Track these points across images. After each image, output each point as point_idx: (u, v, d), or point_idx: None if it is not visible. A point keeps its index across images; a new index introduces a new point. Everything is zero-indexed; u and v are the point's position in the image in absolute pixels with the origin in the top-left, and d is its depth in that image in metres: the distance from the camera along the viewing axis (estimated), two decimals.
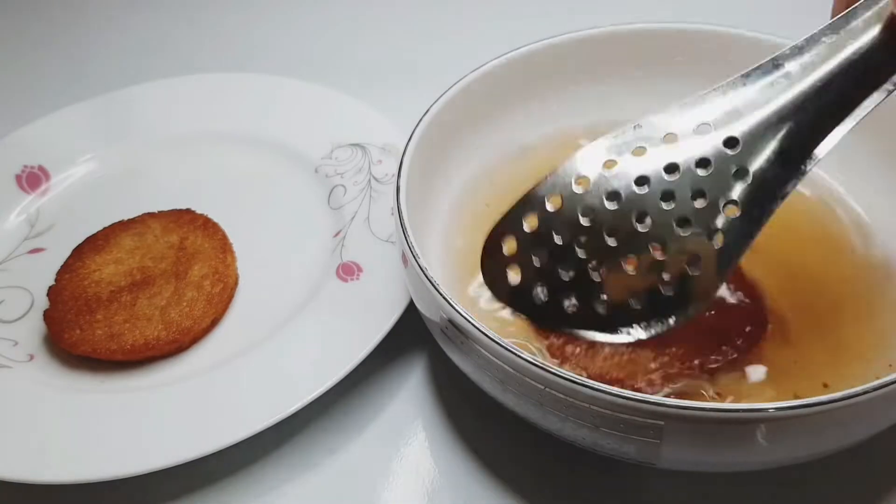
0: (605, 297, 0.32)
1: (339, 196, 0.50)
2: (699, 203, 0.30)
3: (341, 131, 0.53)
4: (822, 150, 0.30)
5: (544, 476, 0.38)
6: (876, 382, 0.29)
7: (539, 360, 0.30)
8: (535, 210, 0.32)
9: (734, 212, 0.30)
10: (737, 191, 0.30)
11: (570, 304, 0.32)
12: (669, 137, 0.31)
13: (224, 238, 0.47)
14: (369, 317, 0.41)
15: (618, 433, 0.30)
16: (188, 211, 0.48)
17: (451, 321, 0.33)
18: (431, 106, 0.41)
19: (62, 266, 0.45)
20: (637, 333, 0.32)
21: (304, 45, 0.68)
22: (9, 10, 0.74)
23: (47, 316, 0.43)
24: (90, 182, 0.53)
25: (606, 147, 0.32)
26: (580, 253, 0.32)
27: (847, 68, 0.29)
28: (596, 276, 0.32)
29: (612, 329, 0.32)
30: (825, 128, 0.29)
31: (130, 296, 0.43)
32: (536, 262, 0.32)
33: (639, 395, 0.29)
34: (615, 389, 0.29)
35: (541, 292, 0.32)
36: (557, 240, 0.32)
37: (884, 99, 0.29)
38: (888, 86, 0.29)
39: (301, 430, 0.40)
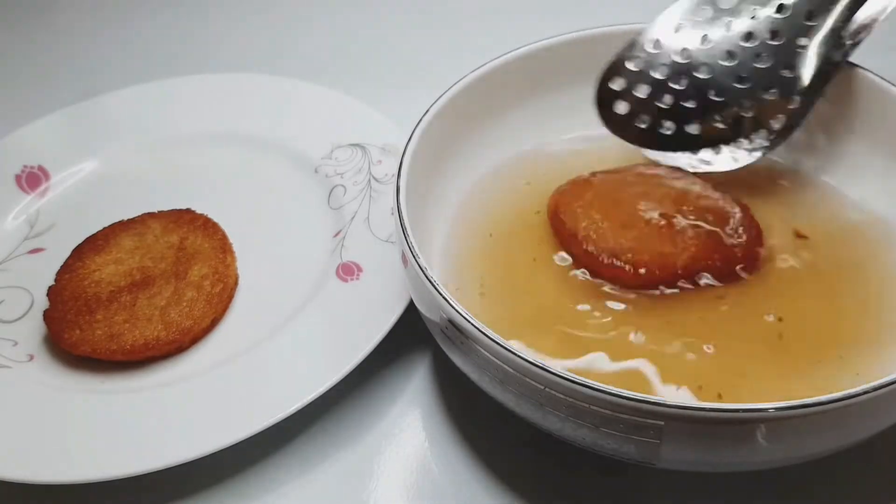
0: (697, 121, 0.40)
1: (338, 196, 0.50)
2: (777, 39, 0.38)
3: (341, 131, 0.53)
4: None
5: (545, 476, 0.38)
6: (876, 383, 0.29)
7: (539, 360, 0.30)
8: (638, 53, 0.40)
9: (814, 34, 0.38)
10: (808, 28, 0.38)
11: (667, 126, 0.40)
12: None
13: (224, 238, 0.47)
14: (369, 317, 0.41)
15: (617, 433, 0.30)
16: (188, 211, 0.48)
17: (451, 321, 0.33)
18: (431, 106, 0.41)
19: (62, 266, 0.45)
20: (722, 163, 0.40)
21: (304, 45, 0.68)
22: (9, 10, 0.74)
23: (47, 316, 0.43)
24: (90, 182, 0.53)
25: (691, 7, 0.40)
26: (677, 85, 0.39)
27: None
28: (690, 104, 0.39)
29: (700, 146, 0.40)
30: None
31: (130, 296, 0.43)
32: (641, 93, 0.40)
33: (639, 396, 0.29)
34: (615, 389, 0.29)
35: (644, 119, 0.40)
36: (657, 75, 0.39)
37: None
38: None
39: (302, 430, 0.40)
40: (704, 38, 0.39)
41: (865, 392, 0.28)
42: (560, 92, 0.47)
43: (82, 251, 0.46)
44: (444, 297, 0.33)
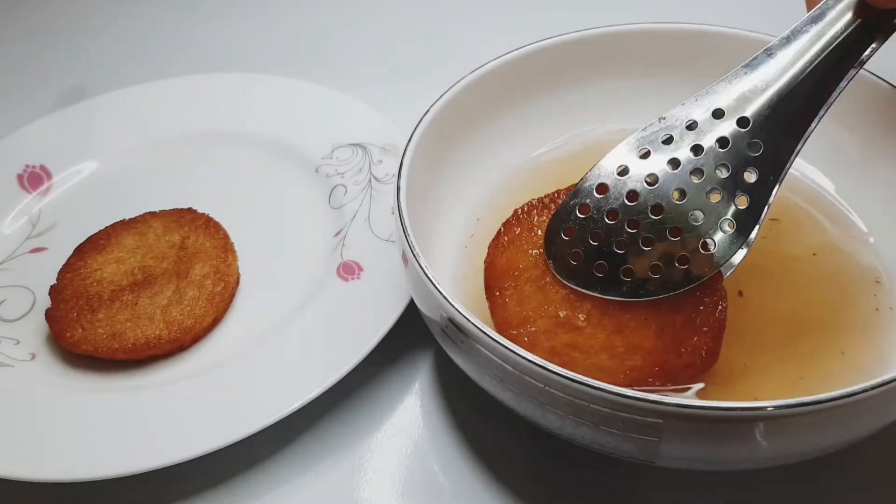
0: (636, 264, 0.36)
1: (339, 196, 0.50)
2: (723, 173, 0.35)
3: (342, 131, 0.53)
4: (815, 120, 0.35)
5: (545, 475, 0.38)
6: (875, 381, 0.29)
7: (539, 358, 0.30)
8: (585, 199, 0.37)
9: (752, 177, 0.35)
10: (752, 160, 0.35)
11: (624, 274, 0.36)
12: (691, 125, 0.36)
13: (225, 237, 0.47)
14: (370, 316, 0.41)
15: (617, 431, 0.30)
16: (189, 210, 0.48)
17: (451, 320, 0.33)
18: (432, 105, 0.42)
19: (64, 265, 0.45)
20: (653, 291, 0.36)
21: (305, 44, 0.68)
22: (10, 10, 0.75)
23: (49, 315, 0.43)
24: (92, 181, 0.53)
25: (638, 140, 0.36)
26: (626, 229, 0.36)
27: (829, 50, 0.35)
28: (636, 248, 0.36)
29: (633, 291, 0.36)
30: (818, 101, 0.35)
31: (132, 295, 0.43)
32: (587, 242, 0.36)
33: (638, 394, 0.29)
34: (615, 388, 0.29)
35: (594, 266, 0.36)
36: (606, 221, 0.36)
37: (858, 72, 0.35)
38: (863, 57, 0.35)
39: (302, 429, 0.40)
40: (651, 176, 0.36)
41: (864, 390, 0.28)
42: (560, 92, 0.47)
43: (84, 250, 0.46)
44: (444, 297, 0.33)
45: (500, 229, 0.39)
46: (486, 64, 0.44)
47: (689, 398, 0.33)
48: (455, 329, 0.33)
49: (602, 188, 0.36)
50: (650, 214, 0.35)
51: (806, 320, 0.38)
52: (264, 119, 0.55)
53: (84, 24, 0.73)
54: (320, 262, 0.46)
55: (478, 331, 0.31)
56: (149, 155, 0.54)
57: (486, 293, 0.38)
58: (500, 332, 0.35)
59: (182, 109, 0.56)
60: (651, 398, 0.29)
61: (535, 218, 0.39)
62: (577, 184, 0.37)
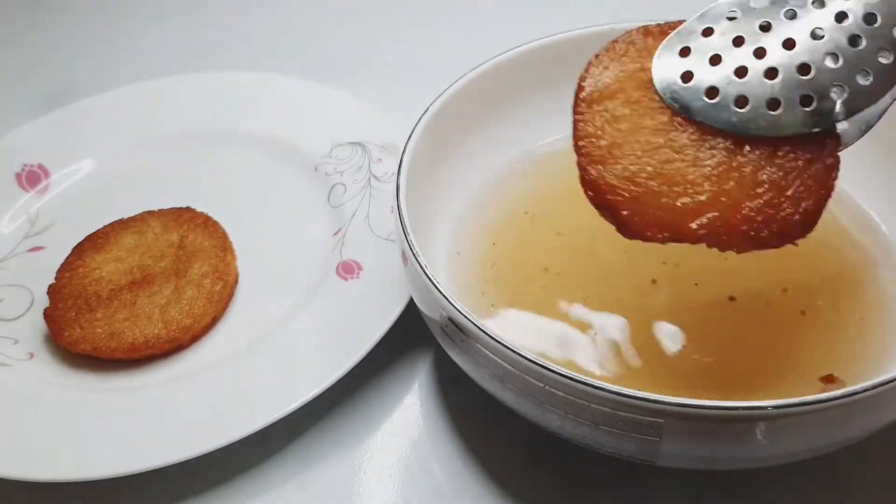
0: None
1: (338, 194, 0.50)
2: (874, 21, 0.31)
3: (341, 130, 0.53)
4: None
5: (545, 475, 0.38)
6: (875, 381, 0.29)
7: (539, 357, 0.30)
8: (712, 22, 0.34)
9: None
10: None
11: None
12: None
13: (224, 236, 0.47)
14: (369, 315, 0.41)
15: (617, 431, 0.30)
16: (188, 209, 0.48)
17: (450, 319, 0.33)
18: (432, 104, 0.41)
19: (62, 264, 0.45)
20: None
21: (303, 43, 0.68)
22: (8, 9, 0.74)
23: (47, 314, 0.43)
24: (90, 180, 0.53)
25: None
26: (752, 56, 0.33)
27: None
28: (757, 78, 0.33)
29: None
30: None
31: (130, 294, 0.43)
32: (704, 64, 0.34)
33: (638, 393, 0.29)
34: (615, 387, 0.29)
35: (705, 91, 0.33)
36: (731, 45, 0.33)
37: None
38: None
39: (302, 429, 0.40)
40: (789, 12, 0.33)
41: (864, 390, 0.28)
42: (561, 89, 0.46)
43: (83, 249, 0.46)
44: (444, 296, 0.33)
45: (606, 46, 0.37)
46: (485, 62, 0.44)
47: (689, 398, 0.33)
48: (455, 328, 0.33)
49: (733, 16, 0.33)
50: (782, 47, 0.32)
51: None
52: (263, 117, 0.55)
53: (83, 25, 0.73)
54: (319, 262, 0.46)
55: (478, 330, 0.31)
56: (147, 154, 0.54)
57: (575, 108, 0.36)
58: (582, 151, 0.35)
59: (180, 108, 0.56)
60: (651, 398, 0.29)
61: (650, 41, 0.36)
62: (707, 8, 0.34)
